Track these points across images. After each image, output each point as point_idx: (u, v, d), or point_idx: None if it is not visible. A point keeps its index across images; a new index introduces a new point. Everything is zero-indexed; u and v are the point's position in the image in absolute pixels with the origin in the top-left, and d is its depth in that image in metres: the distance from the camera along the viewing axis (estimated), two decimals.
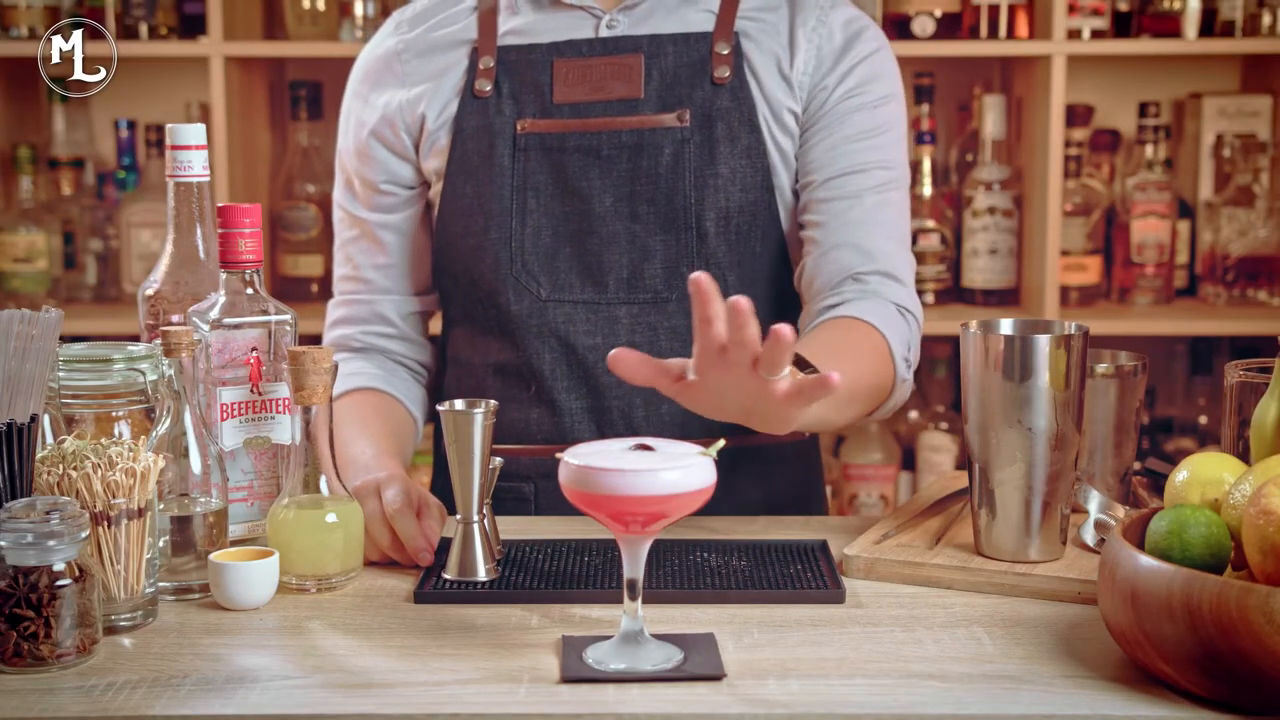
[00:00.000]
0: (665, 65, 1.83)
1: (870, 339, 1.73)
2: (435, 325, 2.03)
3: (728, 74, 1.82)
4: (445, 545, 1.57)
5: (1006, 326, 1.54)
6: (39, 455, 1.39)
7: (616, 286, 1.82)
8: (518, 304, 1.84)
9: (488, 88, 1.84)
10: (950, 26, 3.00)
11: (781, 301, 1.90)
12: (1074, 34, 2.98)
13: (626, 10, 1.86)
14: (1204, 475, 1.37)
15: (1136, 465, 1.72)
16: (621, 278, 1.82)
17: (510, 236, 1.83)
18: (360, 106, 1.93)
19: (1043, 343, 1.47)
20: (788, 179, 1.86)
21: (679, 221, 1.81)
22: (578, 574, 1.53)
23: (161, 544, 1.47)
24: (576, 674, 1.28)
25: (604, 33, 1.85)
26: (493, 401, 1.51)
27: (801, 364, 1.46)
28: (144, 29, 3.04)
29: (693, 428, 1.81)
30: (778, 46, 1.85)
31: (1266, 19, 3.00)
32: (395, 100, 1.89)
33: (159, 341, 1.49)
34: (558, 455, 1.30)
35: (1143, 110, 3.14)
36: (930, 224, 3.10)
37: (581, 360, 1.83)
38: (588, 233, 1.82)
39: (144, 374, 1.56)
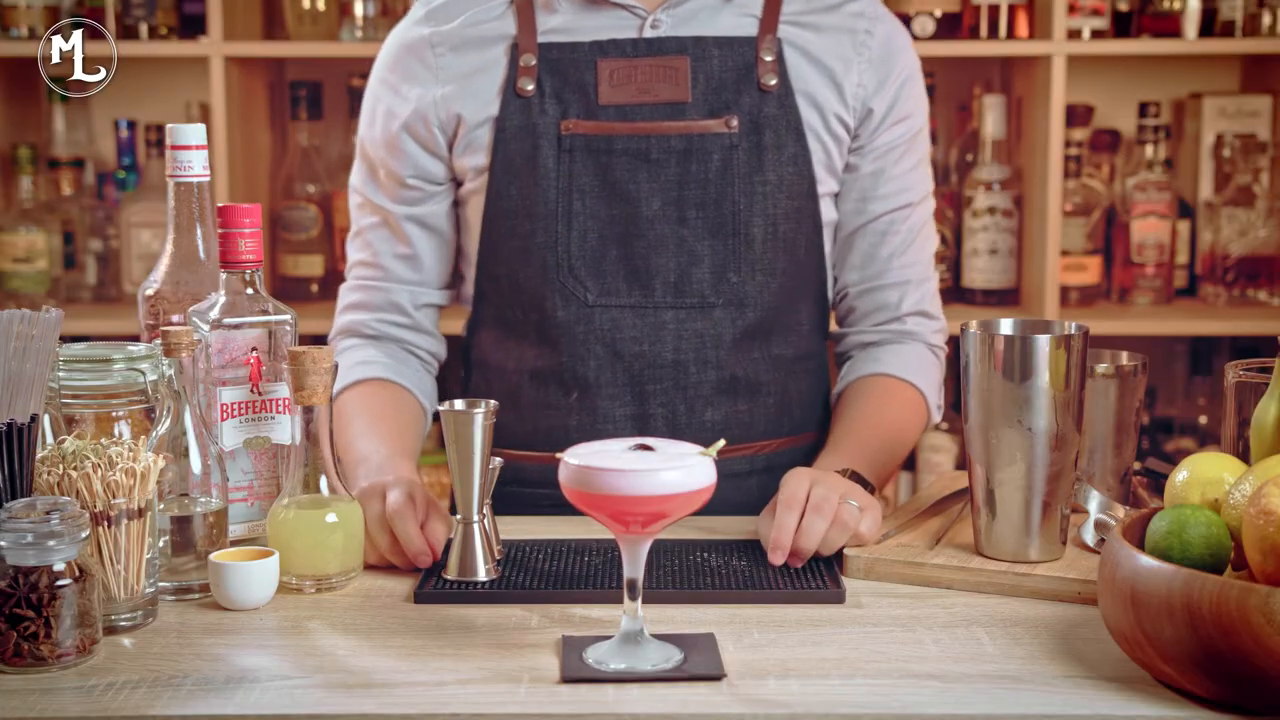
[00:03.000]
0: (711, 69, 1.82)
1: (907, 399, 1.88)
2: (452, 325, 2.02)
3: (774, 82, 1.81)
4: (445, 545, 1.57)
5: (1006, 326, 1.54)
6: (39, 455, 1.39)
7: (664, 290, 1.82)
8: (564, 309, 1.83)
9: (530, 87, 1.82)
10: (950, 26, 3.00)
11: (822, 305, 1.93)
12: (1074, 34, 2.98)
13: (669, 10, 1.84)
14: (1204, 475, 1.37)
15: (1136, 465, 1.72)
16: (669, 281, 1.82)
17: (557, 240, 1.82)
18: (390, 96, 1.89)
19: (1043, 343, 1.47)
20: (833, 186, 1.87)
21: (727, 227, 1.81)
22: (578, 574, 1.53)
23: (161, 544, 1.47)
24: (577, 674, 1.28)
25: (648, 33, 1.83)
26: (493, 402, 1.51)
27: (859, 482, 1.64)
28: (144, 29, 3.04)
29: (732, 436, 1.85)
30: (825, 56, 1.85)
31: (1266, 19, 3.00)
32: (429, 95, 1.86)
33: (159, 341, 1.49)
34: (558, 456, 1.30)
35: (1143, 110, 3.13)
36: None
37: (628, 366, 1.83)
38: (635, 236, 1.82)
39: (144, 374, 1.56)
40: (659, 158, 1.81)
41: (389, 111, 1.88)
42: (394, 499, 1.55)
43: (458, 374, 2.03)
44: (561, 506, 1.84)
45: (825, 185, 1.86)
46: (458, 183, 1.90)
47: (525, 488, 1.85)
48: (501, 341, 1.89)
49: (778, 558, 1.53)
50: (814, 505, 1.54)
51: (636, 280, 1.82)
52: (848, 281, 1.92)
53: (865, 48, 1.85)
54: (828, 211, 1.87)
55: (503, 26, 1.85)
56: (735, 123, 1.81)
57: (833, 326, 1.99)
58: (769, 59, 1.82)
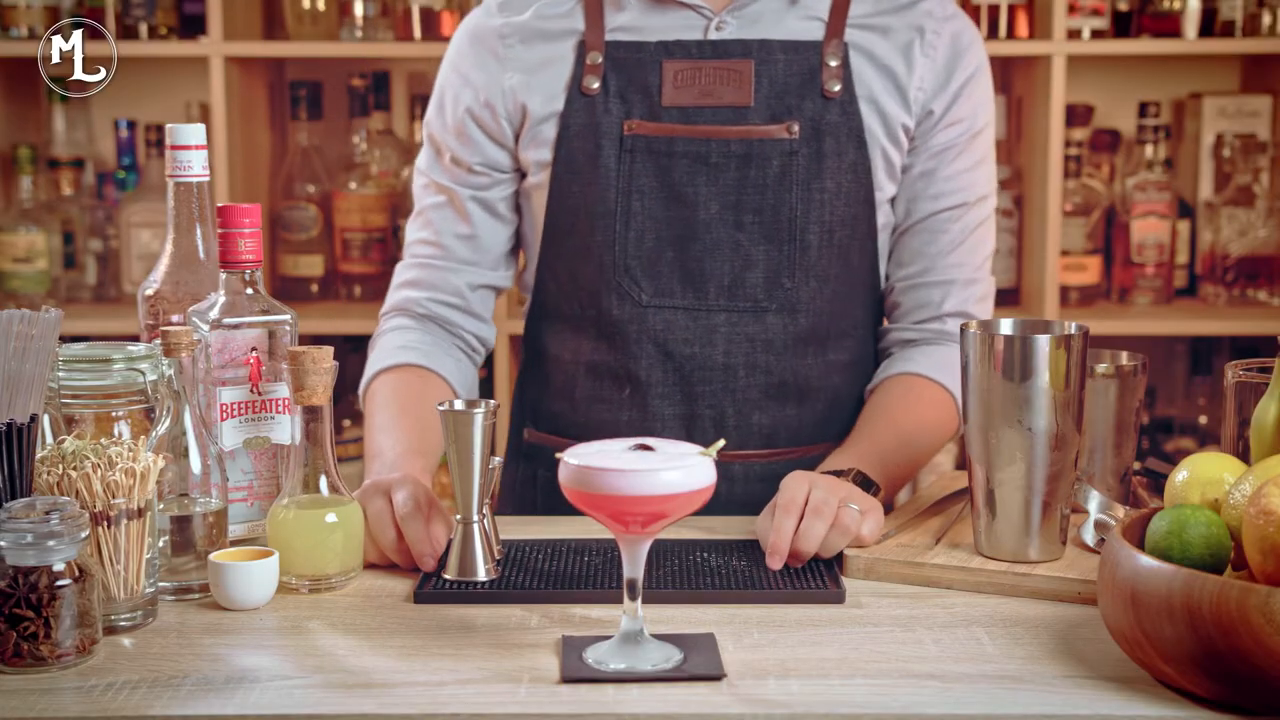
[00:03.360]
0: (775, 74, 1.82)
1: (935, 399, 1.86)
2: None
3: (838, 88, 1.81)
4: (445, 545, 1.57)
5: (1006, 326, 1.54)
6: (39, 455, 1.39)
7: (717, 293, 1.82)
8: (619, 308, 1.84)
9: (595, 85, 1.83)
10: None
11: (876, 310, 1.93)
12: (1074, 34, 2.98)
13: (736, 12, 1.84)
14: (1204, 475, 1.37)
15: (1136, 465, 1.72)
16: (723, 285, 1.82)
17: (615, 240, 1.82)
18: (459, 83, 1.90)
19: (1043, 343, 1.47)
20: (891, 192, 1.87)
21: (783, 233, 1.81)
22: (578, 574, 1.53)
23: (161, 544, 1.47)
24: (576, 674, 1.28)
25: (713, 34, 1.83)
26: (493, 401, 1.51)
27: (865, 483, 1.65)
28: (144, 29, 3.04)
29: (780, 439, 1.86)
30: (890, 60, 1.84)
31: (1266, 19, 3.00)
32: (497, 84, 1.86)
33: (159, 341, 1.49)
34: (557, 455, 1.30)
35: (1143, 110, 3.14)
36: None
37: (679, 367, 1.84)
38: (691, 238, 1.82)
39: (144, 374, 1.56)
40: (718, 161, 1.81)
41: (457, 99, 1.89)
42: (402, 500, 1.55)
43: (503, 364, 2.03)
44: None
45: (884, 192, 1.85)
46: (522, 173, 1.91)
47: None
48: (559, 333, 1.90)
49: (775, 562, 1.53)
50: (813, 508, 1.54)
51: (690, 282, 1.83)
52: (896, 276, 1.92)
53: (931, 48, 1.84)
54: (884, 217, 1.87)
55: (572, 21, 1.86)
56: (796, 129, 1.80)
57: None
58: (834, 64, 1.81)
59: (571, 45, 1.85)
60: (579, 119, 1.83)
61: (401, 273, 1.95)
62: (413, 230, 1.96)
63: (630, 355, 1.85)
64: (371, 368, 1.88)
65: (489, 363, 3.07)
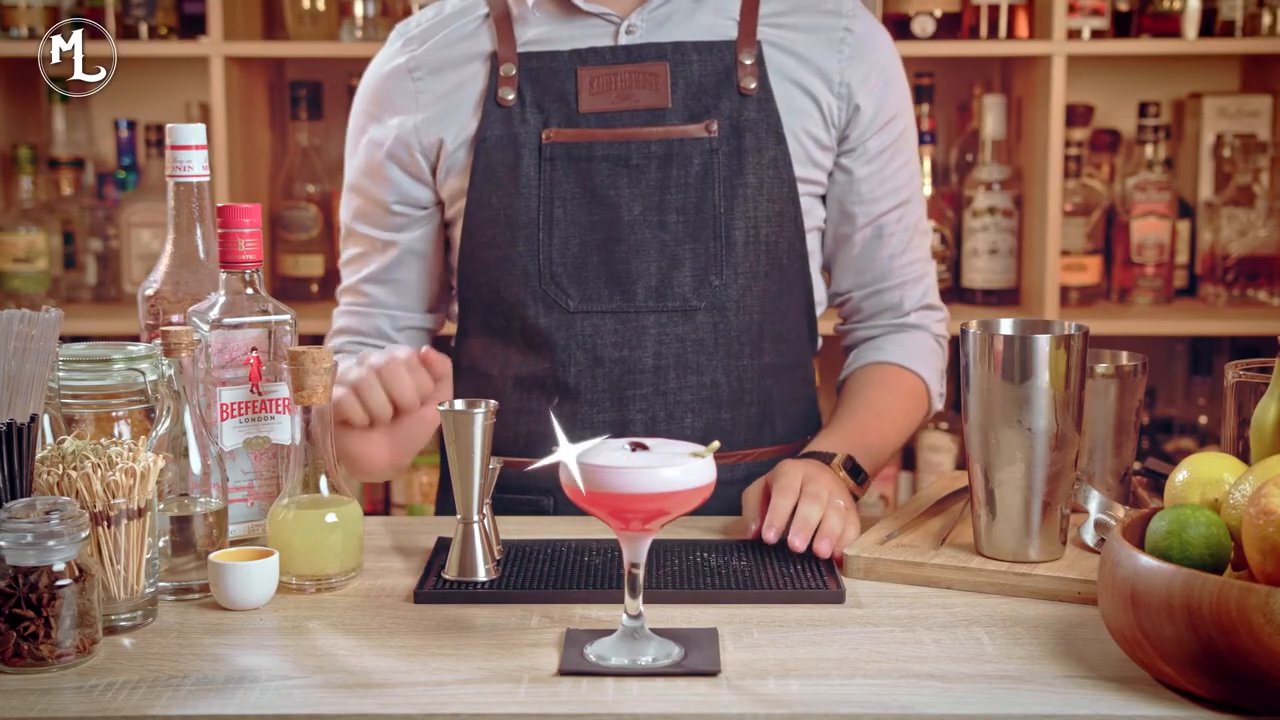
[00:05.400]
0: (690, 74, 1.83)
1: (909, 386, 1.92)
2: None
3: (754, 85, 1.82)
4: (445, 545, 1.57)
5: (1006, 326, 1.54)
6: (39, 455, 1.39)
7: (645, 295, 1.82)
8: (546, 317, 1.83)
9: (510, 96, 1.83)
10: (950, 26, 3.00)
11: (806, 312, 1.93)
12: (1074, 34, 2.98)
13: (644, 15, 1.85)
14: (1204, 475, 1.37)
15: (1136, 465, 1.72)
16: (650, 286, 1.82)
17: (538, 249, 1.82)
18: (372, 125, 1.91)
19: (1043, 343, 1.47)
20: (813, 191, 1.88)
21: (708, 230, 1.81)
22: (578, 574, 1.53)
23: (161, 544, 1.47)
24: (574, 667, 1.28)
25: (623, 39, 1.84)
26: (492, 402, 1.52)
27: (854, 469, 1.69)
28: (144, 29, 3.04)
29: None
30: (806, 56, 1.85)
31: (1266, 19, 3.00)
32: (410, 122, 1.87)
33: (159, 341, 1.49)
34: (556, 451, 1.30)
35: (1143, 110, 3.14)
36: (930, 224, 3.08)
37: (608, 373, 1.83)
38: (615, 241, 1.82)
39: (144, 374, 1.56)
40: (639, 163, 1.81)
41: (372, 141, 1.90)
42: (379, 358, 1.60)
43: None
44: (539, 511, 1.85)
45: (807, 187, 1.86)
46: (441, 208, 1.92)
47: (507, 494, 1.84)
48: (487, 348, 1.90)
49: (771, 535, 1.56)
50: (809, 494, 1.58)
51: (618, 286, 1.82)
52: (851, 285, 1.94)
53: (845, 44, 1.86)
54: (811, 213, 1.88)
55: (479, 43, 1.87)
56: (715, 127, 1.81)
57: (836, 324, 2.01)
58: (748, 62, 1.83)
59: (482, 63, 1.86)
60: (496, 131, 1.83)
61: (335, 319, 1.99)
62: (343, 276, 1.99)
63: (559, 364, 1.84)
64: None
65: None
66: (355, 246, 1.96)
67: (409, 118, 1.87)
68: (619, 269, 1.82)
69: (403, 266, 1.93)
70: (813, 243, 1.90)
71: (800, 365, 1.94)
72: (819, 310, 1.95)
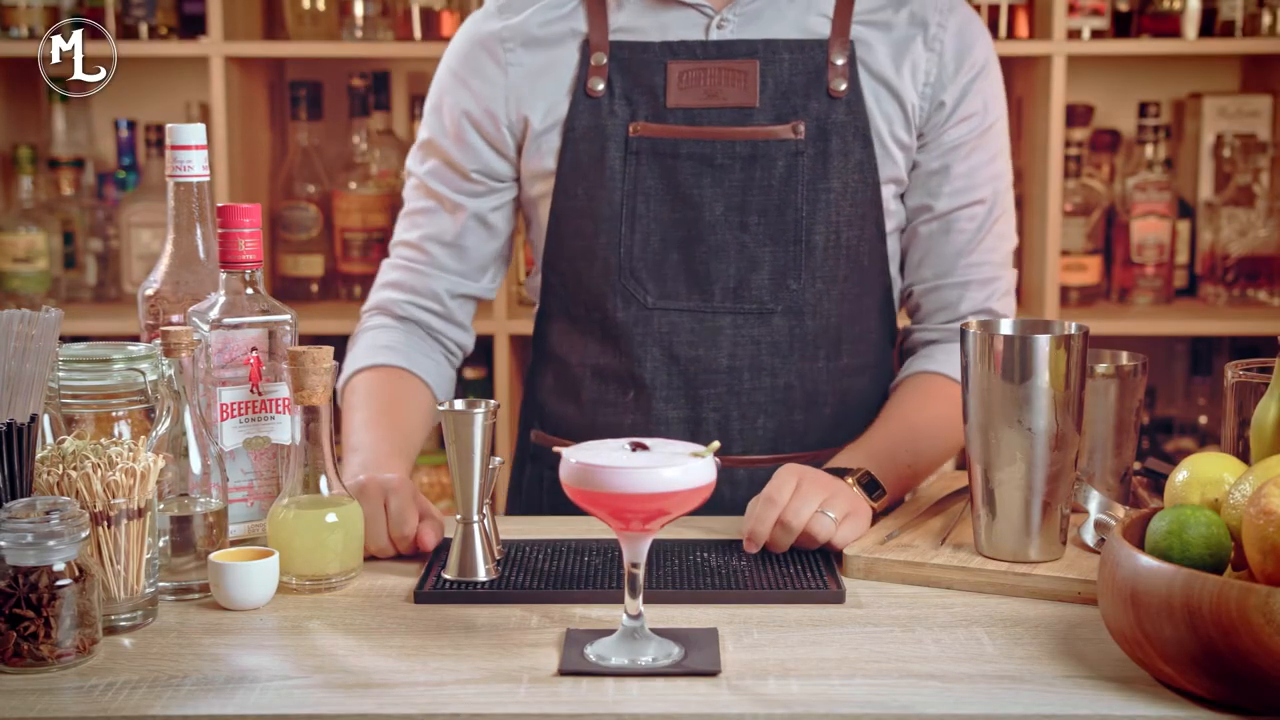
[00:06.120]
0: (780, 73, 1.81)
1: (952, 398, 1.81)
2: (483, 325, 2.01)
3: (844, 87, 1.80)
4: (445, 545, 1.57)
5: (1006, 326, 1.54)
6: (39, 455, 1.39)
7: (722, 295, 1.82)
8: (624, 310, 1.83)
9: (600, 87, 1.82)
10: None
11: (886, 311, 1.92)
12: (1074, 34, 2.98)
13: (736, 9, 1.83)
14: (1204, 475, 1.37)
15: (1136, 465, 1.72)
16: (728, 287, 1.82)
17: (619, 242, 1.82)
18: (458, 87, 1.88)
19: (1043, 343, 1.47)
20: (897, 191, 1.86)
21: (789, 234, 1.81)
22: (578, 574, 1.53)
23: (161, 544, 1.47)
24: (574, 668, 1.28)
25: (714, 34, 1.83)
26: (493, 401, 1.52)
27: (870, 484, 1.66)
28: (144, 29, 3.04)
29: (785, 445, 1.85)
30: (895, 54, 1.83)
31: (1266, 19, 3.00)
32: (499, 92, 1.85)
33: (159, 341, 1.49)
34: (556, 450, 1.31)
35: (1143, 110, 3.14)
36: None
37: (683, 370, 1.83)
38: (696, 240, 1.81)
39: (144, 374, 1.56)
40: (724, 163, 1.80)
41: (456, 103, 1.88)
42: (396, 506, 1.59)
43: (459, 373, 2.02)
44: None
45: (891, 189, 1.84)
46: (518, 184, 1.90)
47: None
48: (566, 335, 1.90)
49: (751, 547, 1.57)
50: (785, 520, 1.56)
51: (696, 285, 1.82)
52: (914, 279, 1.91)
53: (937, 41, 1.83)
54: (895, 214, 1.86)
55: (573, 22, 1.85)
56: (802, 129, 1.80)
57: (902, 322, 1.97)
58: (840, 63, 1.80)
59: (575, 47, 1.84)
60: (584, 121, 1.82)
61: (385, 272, 1.95)
62: (400, 230, 1.95)
63: (635, 359, 1.84)
64: (351, 365, 1.88)
65: (489, 362, 3.07)
66: (424, 200, 1.92)
67: (497, 86, 1.85)
68: (698, 268, 1.82)
69: (471, 234, 1.90)
70: (894, 244, 1.88)
71: (879, 364, 1.92)
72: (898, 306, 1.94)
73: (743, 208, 1.80)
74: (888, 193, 1.84)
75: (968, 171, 1.85)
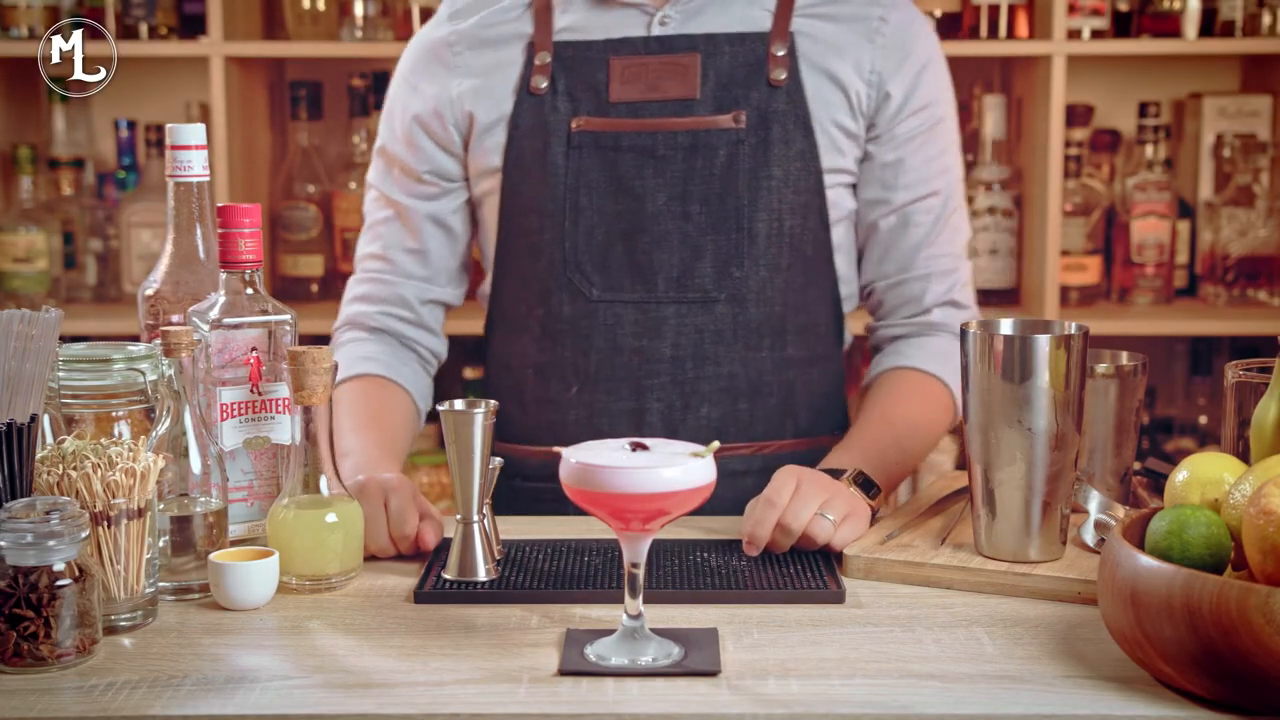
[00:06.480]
0: (721, 65, 1.83)
1: (930, 392, 1.87)
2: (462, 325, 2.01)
3: (784, 76, 1.82)
4: (445, 545, 1.57)
5: (1006, 326, 1.54)
6: (39, 455, 1.39)
7: (666, 285, 1.83)
8: (570, 305, 1.84)
9: (543, 84, 1.84)
10: (950, 26, 3.00)
11: (833, 304, 1.92)
12: (1074, 34, 2.98)
13: (678, 6, 1.85)
14: (1204, 475, 1.37)
15: (1136, 465, 1.72)
16: (672, 276, 1.83)
17: (564, 237, 1.83)
18: (408, 92, 1.92)
19: (1043, 343, 1.47)
20: (843, 181, 1.87)
21: (731, 222, 1.82)
22: (578, 574, 1.53)
23: (161, 544, 1.47)
24: (574, 668, 1.28)
25: (656, 30, 1.85)
26: (493, 401, 1.52)
27: (866, 483, 1.66)
28: (144, 29, 3.04)
29: (730, 434, 1.86)
30: (837, 45, 1.85)
31: (1266, 19, 3.00)
32: (445, 93, 1.88)
33: (159, 341, 1.49)
34: (556, 450, 1.31)
35: (1143, 110, 3.13)
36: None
37: (627, 362, 1.84)
38: (639, 231, 1.83)
39: (144, 374, 1.56)
40: (665, 154, 1.82)
41: (406, 108, 1.91)
42: (396, 506, 1.59)
43: (459, 373, 2.03)
44: (562, 501, 1.86)
45: (836, 177, 1.86)
46: (469, 181, 1.92)
47: (527, 482, 1.86)
48: (511, 336, 1.91)
49: (751, 550, 1.57)
50: (784, 523, 1.56)
51: (640, 276, 1.83)
52: (874, 276, 1.92)
53: (879, 34, 1.85)
54: (839, 204, 1.87)
55: (520, 26, 1.88)
56: (743, 118, 1.81)
57: (866, 321, 1.99)
58: (780, 53, 1.82)
59: (520, 48, 1.87)
60: (528, 118, 1.85)
61: (352, 288, 1.97)
62: (363, 245, 1.97)
63: (580, 352, 1.85)
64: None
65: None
66: (382, 210, 1.95)
67: (444, 87, 1.88)
68: (641, 259, 1.83)
69: (431, 238, 1.93)
70: (841, 234, 1.89)
71: (826, 358, 1.93)
72: (849, 305, 1.95)
73: (685, 197, 1.82)
74: (833, 183, 1.85)
75: (922, 164, 1.88)
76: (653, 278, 1.83)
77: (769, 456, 1.86)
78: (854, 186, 1.89)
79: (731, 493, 1.75)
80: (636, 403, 1.85)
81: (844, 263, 1.91)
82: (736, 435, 1.86)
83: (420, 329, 1.95)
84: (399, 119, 1.92)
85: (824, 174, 1.84)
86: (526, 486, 1.87)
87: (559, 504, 1.84)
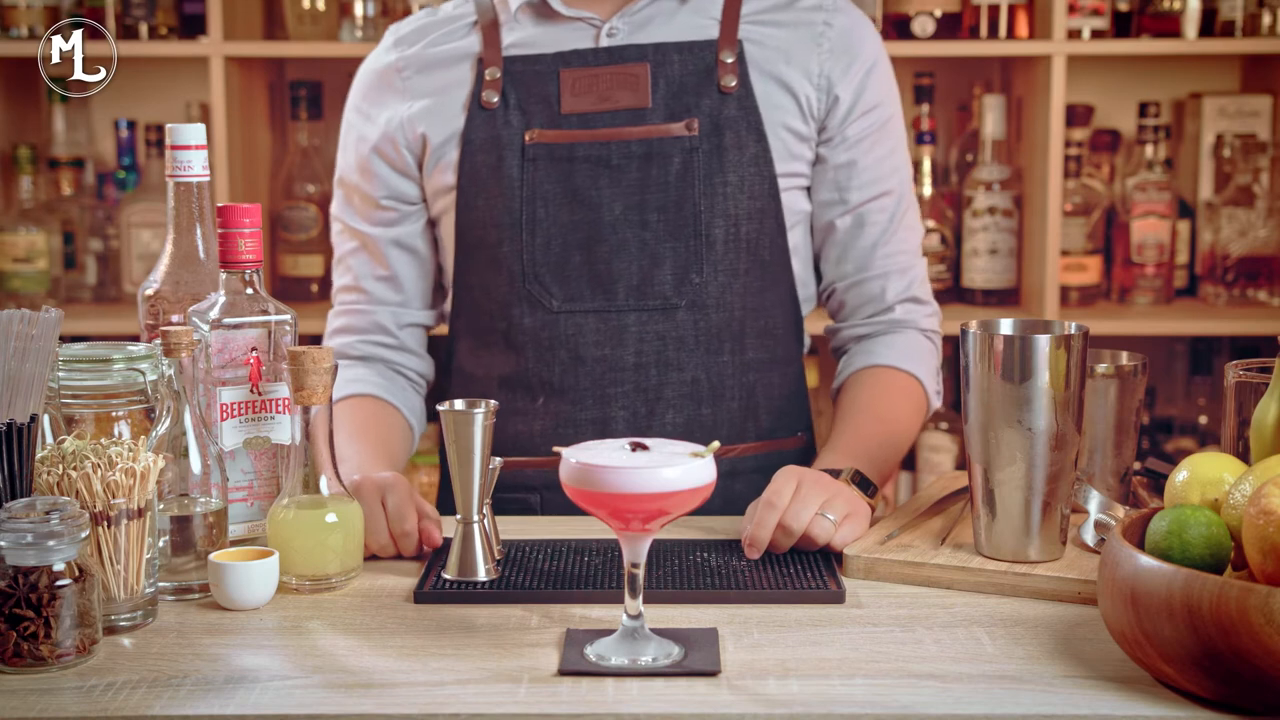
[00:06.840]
0: (671, 74, 1.84)
1: (905, 388, 1.89)
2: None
3: (734, 83, 1.83)
4: (445, 545, 1.57)
5: (1006, 326, 1.54)
6: (39, 455, 1.39)
7: (626, 294, 1.83)
8: (531, 317, 1.85)
9: (495, 99, 1.85)
10: (950, 26, 3.00)
11: (791, 307, 1.93)
12: (1074, 34, 2.98)
13: (625, 17, 1.87)
14: (1204, 475, 1.37)
15: (1136, 465, 1.72)
16: (631, 285, 1.83)
17: (522, 249, 1.84)
18: (361, 122, 1.94)
19: (1043, 343, 1.47)
20: (797, 184, 1.88)
21: (688, 229, 1.82)
22: (578, 574, 1.53)
23: (161, 544, 1.47)
24: (574, 668, 1.28)
25: (605, 41, 1.86)
26: (493, 402, 1.52)
27: (863, 482, 1.66)
28: (144, 29, 3.04)
29: (694, 439, 1.84)
30: (784, 51, 1.86)
31: (1266, 19, 3.00)
32: (397, 117, 1.90)
33: (159, 341, 1.49)
34: (556, 450, 1.31)
35: (1143, 110, 3.14)
36: (930, 224, 3.10)
37: (590, 371, 1.84)
38: (597, 241, 1.83)
39: (144, 374, 1.56)
40: (620, 163, 1.83)
41: (360, 136, 1.93)
42: (395, 503, 1.59)
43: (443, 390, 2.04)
44: (527, 509, 1.87)
45: (790, 180, 1.87)
46: (426, 203, 1.93)
47: (497, 493, 1.85)
48: (475, 350, 1.91)
49: (753, 553, 1.56)
50: (785, 524, 1.56)
51: (600, 285, 1.84)
52: (833, 277, 1.94)
53: (824, 38, 1.87)
54: (794, 208, 1.88)
55: (467, 45, 1.89)
56: (696, 125, 1.82)
57: (826, 323, 2.00)
58: (729, 60, 1.84)
59: (469, 65, 1.88)
60: (480, 133, 1.85)
61: (332, 321, 1.98)
62: (336, 278, 1.99)
63: (543, 363, 1.85)
64: None
65: None
66: (349, 242, 1.97)
67: (396, 111, 1.90)
68: (600, 268, 1.83)
69: (399, 263, 1.94)
70: (798, 237, 1.90)
71: (786, 361, 1.93)
72: (808, 308, 1.95)
73: (641, 206, 1.83)
74: (787, 186, 1.86)
75: (874, 163, 1.89)
76: (613, 287, 1.83)
77: (734, 460, 1.86)
78: (808, 189, 1.90)
79: None
80: (601, 411, 1.85)
81: (801, 266, 1.92)
82: (701, 439, 1.87)
83: (404, 352, 1.96)
84: (353, 149, 1.94)
85: (778, 178, 1.85)
86: (495, 498, 1.86)
87: (525, 513, 1.87)
